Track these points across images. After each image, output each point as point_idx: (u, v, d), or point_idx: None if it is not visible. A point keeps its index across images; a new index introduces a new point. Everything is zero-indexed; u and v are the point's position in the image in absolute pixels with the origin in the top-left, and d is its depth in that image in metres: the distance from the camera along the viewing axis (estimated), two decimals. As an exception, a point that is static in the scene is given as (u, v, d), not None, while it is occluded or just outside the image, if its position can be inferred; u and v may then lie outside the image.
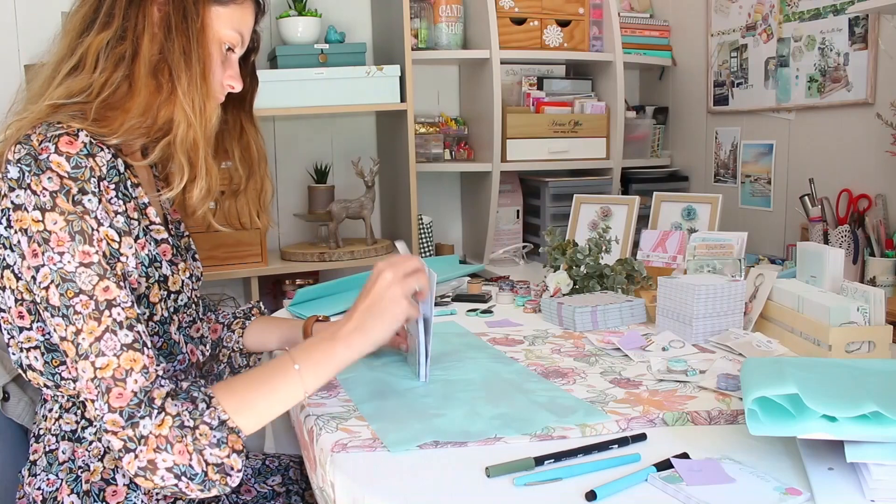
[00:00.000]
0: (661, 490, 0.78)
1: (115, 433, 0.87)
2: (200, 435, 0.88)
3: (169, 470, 0.87)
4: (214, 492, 0.89)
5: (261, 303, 1.40)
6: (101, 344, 0.89)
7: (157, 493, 1.03)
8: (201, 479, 0.88)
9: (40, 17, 2.31)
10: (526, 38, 2.59)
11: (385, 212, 2.74)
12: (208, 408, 0.90)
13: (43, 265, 0.90)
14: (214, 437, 0.89)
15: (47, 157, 0.91)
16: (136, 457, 0.87)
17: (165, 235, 1.07)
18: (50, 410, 1.05)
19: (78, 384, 0.91)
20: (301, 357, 0.97)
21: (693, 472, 0.81)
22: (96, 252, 0.92)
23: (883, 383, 0.85)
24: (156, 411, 0.88)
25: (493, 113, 2.49)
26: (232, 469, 0.89)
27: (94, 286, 0.90)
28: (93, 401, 0.89)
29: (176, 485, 0.88)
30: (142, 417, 0.87)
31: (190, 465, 0.87)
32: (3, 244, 0.96)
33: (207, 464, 0.88)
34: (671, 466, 0.82)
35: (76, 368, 0.90)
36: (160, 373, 0.92)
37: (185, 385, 0.94)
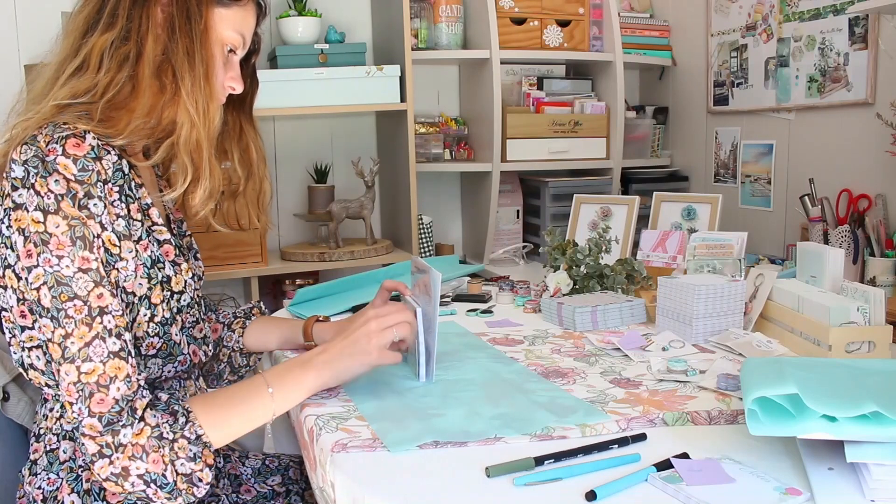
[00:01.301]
0: (661, 490, 0.78)
1: (92, 437, 0.89)
2: (179, 448, 0.91)
3: (140, 477, 0.89)
4: (180, 501, 0.92)
5: (261, 303, 1.40)
6: (89, 349, 0.90)
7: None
8: (171, 489, 0.90)
9: (40, 17, 2.31)
10: (526, 38, 2.59)
11: (385, 212, 2.74)
12: (187, 422, 0.93)
13: (36, 266, 0.91)
14: (191, 450, 0.91)
15: (54, 159, 0.91)
16: (111, 463, 0.89)
17: (168, 236, 1.07)
18: (51, 410, 1.05)
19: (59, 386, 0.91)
20: (275, 382, 1.01)
21: (693, 472, 0.81)
22: (95, 259, 0.93)
23: (883, 383, 0.85)
24: (136, 420, 0.90)
25: (493, 113, 2.49)
26: (200, 481, 0.92)
27: (90, 292, 0.91)
28: (72, 403, 0.90)
29: (144, 491, 0.90)
30: (123, 426, 0.89)
31: (163, 475, 0.90)
32: (5, 244, 0.96)
33: (178, 474, 0.91)
34: (671, 466, 0.82)
35: (59, 371, 0.91)
36: (141, 382, 0.93)
37: (164, 397, 0.96)
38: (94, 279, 0.92)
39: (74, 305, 0.90)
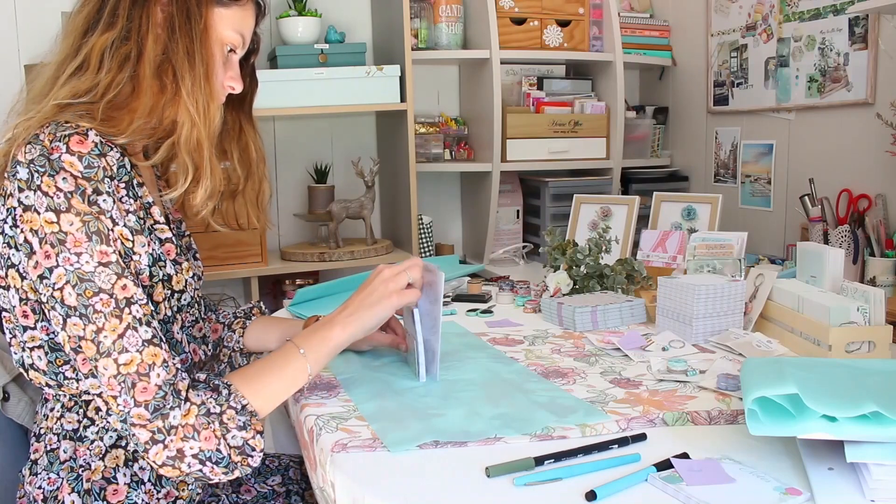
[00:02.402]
0: (661, 490, 0.78)
1: (142, 426, 0.89)
2: (227, 419, 0.92)
3: (195, 456, 0.90)
4: (237, 473, 0.93)
5: (261, 303, 1.40)
6: (123, 341, 0.90)
7: (157, 493, 1.04)
8: (226, 463, 0.91)
9: (40, 17, 2.31)
10: (526, 38, 2.59)
11: (385, 212, 2.74)
12: (230, 394, 0.94)
13: (57, 266, 0.90)
14: (240, 420, 0.92)
15: (59, 157, 0.91)
16: (166, 447, 0.89)
17: (169, 234, 1.08)
18: (51, 410, 1.05)
19: (93, 381, 0.92)
20: (303, 343, 1.03)
21: (693, 472, 0.81)
22: (113, 251, 0.93)
23: (883, 383, 0.85)
24: (182, 401, 0.91)
25: (493, 113, 2.49)
26: (254, 450, 0.93)
27: (113, 285, 0.92)
28: (115, 397, 0.90)
29: (201, 470, 0.91)
30: (171, 409, 0.90)
31: (217, 450, 0.90)
32: (8, 243, 0.96)
33: (230, 447, 0.91)
34: (671, 466, 0.82)
35: (96, 367, 0.91)
36: (178, 365, 0.94)
37: (202, 376, 0.97)
38: (115, 271, 0.92)
39: (101, 299, 0.90)
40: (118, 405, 0.90)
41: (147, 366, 0.90)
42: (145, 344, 0.91)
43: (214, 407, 0.92)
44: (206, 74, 1.01)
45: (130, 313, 0.91)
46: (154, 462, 0.90)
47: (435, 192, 2.83)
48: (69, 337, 0.91)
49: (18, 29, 2.31)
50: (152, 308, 0.96)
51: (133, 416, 0.89)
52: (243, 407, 0.94)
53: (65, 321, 0.91)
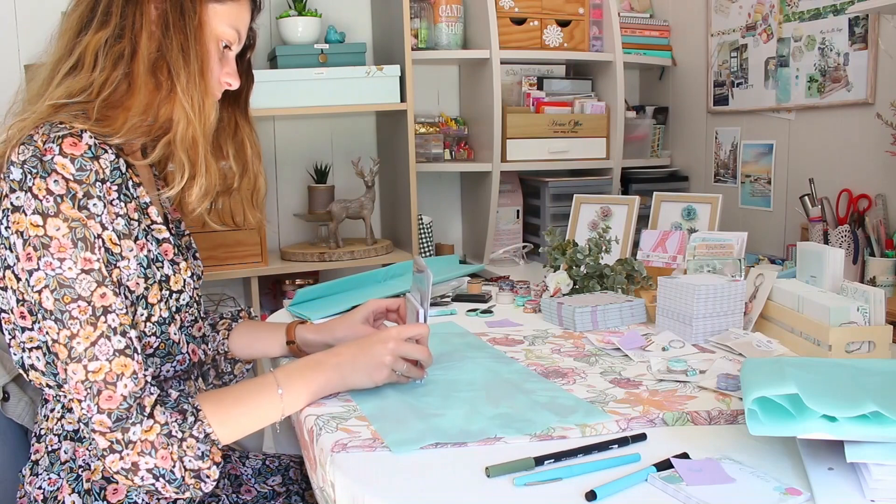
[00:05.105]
0: (661, 490, 0.78)
1: (102, 434, 0.90)
2: (187, 447, 0.92)
3: (149, 471, 0.90)
4: (188, 495, 0.94)
5: (251, 308, 1.39)
6: (95, 349, 0.90)
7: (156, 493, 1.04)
8: (178, 484, 0.92)
9: (40, 17, 2.31)
10: (526, 38, 2.59)
11: (385, 212, 2.74)
12: (196, 421, 0.94)
13: (37, 269, 0.91)
14: (199, 449, 0.93)
15: (52, 159, 0.91)
16: (121, 458, 0.90)
17: (167, 235, 1.07)
18: (52, 410, 1.05)
19: (66, 385, 0.92)
20: (285, 382, 1.02)
21: (693, 472, 0.81)
22: (97, 259, 0.93)
23: (883, 383, 0.85)
24: (145, 417, 0.91)
25: (493, 113, 2.49)
26: (208, 478, 0.94)
27: (93, 292, 0.92)
28: (80, 401, 0.91)
29: (153, 485, 0.91)
30: (133, 424, 0.90)
31: (171, 471, 0.91)
32: (4, 245, 0.96)
33: (186, 470, 0.92)
34: (671, 466, 0.82)
35: (66, 370, 0.91)
36: (148, 378, 0.94)
37: (174, 394, 0.96)
38: (96, 279, 0.92)
39: (79, 306, 0.91)
40: (81, 409, 0.91)
41: (115, 375, 0.90)
42: (116, 353, 0.91)
43: (177, 431, 0.92)
44: (201, 71, 1.01)
45: (106, 322, 0.91)
46: (109, 468, 0.91)
47: (435, 192, 2.83)
48: (51, 341, 0.92)
49: (18, 29, 2.31)
50: (131, 317, 0.96)
51: (94, 423, 0.90)
52: (206, 435, 0.94)
53: (42, 323, 0.91)
